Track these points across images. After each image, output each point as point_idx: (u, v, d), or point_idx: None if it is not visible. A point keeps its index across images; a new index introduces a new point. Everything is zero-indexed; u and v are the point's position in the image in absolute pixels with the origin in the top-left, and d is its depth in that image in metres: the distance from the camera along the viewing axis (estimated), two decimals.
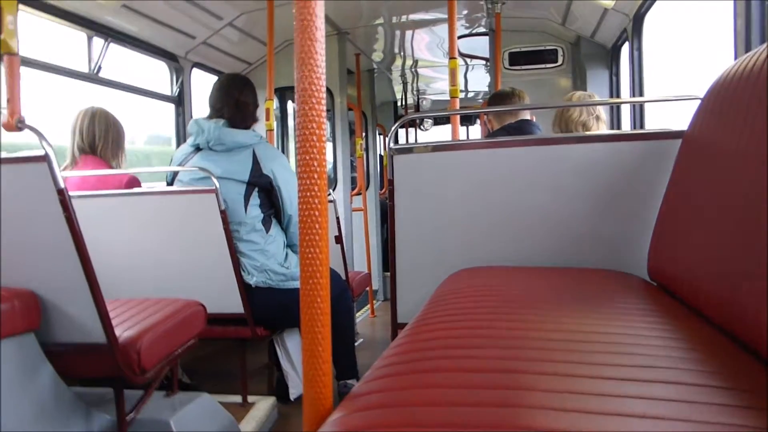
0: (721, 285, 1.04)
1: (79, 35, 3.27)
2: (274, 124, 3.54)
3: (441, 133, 9.42)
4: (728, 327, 1.01)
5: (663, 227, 1.50)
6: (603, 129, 2.66)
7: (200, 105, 4.24)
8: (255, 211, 2.56)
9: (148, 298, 2.15)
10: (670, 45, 3.38)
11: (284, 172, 2.61)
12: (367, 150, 5.92)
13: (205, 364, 3.37)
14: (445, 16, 2.87)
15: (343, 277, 3.23)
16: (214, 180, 2.37)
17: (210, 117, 2.65)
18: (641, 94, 3.41)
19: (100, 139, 2.76)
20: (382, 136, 7.32)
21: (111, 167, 2.77)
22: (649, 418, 0.66)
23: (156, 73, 4.04)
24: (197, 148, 2.63)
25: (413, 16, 4.59)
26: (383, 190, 6.29)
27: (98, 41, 3.35)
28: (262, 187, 2.57)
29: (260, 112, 2.86)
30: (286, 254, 2.64)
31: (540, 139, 1.93)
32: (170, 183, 2.77)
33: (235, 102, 2.62)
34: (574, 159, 1.79)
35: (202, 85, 4.32)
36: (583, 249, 1.81)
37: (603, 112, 2.67)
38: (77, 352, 1.72)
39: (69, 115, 2.81)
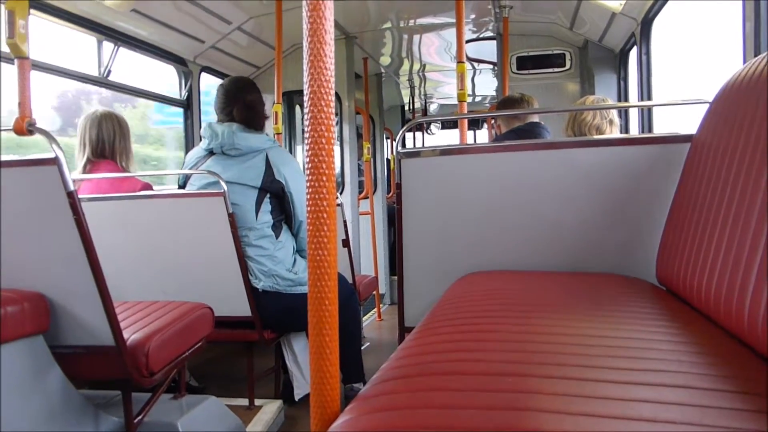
0: (730, 289, 1.03)
1: (89, 39, 3.30)
2: (282, 128, 3.55)
3: (448, 138, 9.41)
4: (737, 331, 1.00)
5: (671, 231, 1.49)
6: (616, 133, 2.64)
7: (209, 109, 4.26)
8: (266, 217, 2.56)
9: (156, 300, 2.16)
10: (678, 49, 3.37)
11: (296, 177, 2.61)
12: (374, 154, 5.92)
13: (213, 367, 3.38)
14: (453, 20, 2.88)
15: (350, 280, 3.23)
16: (222, 183, 2.38)
17: (221, 121, 2.66)
18: (649, 98, 3.40)
19: (111, 142, 2.75)
20: (389, 140, 7.33)
21: (123, 170, 2.78)
22: (660, 422, 0.66)
23: (159, 75, 4.06)
24: (210, 152, 2.63)
25: (421, 21, 4.59)
26: (390, 194, 6.29)
27: (108, 45, 3.38)
28: (274, 192, 2.57)
29: (267, 114, 2.86)
30: (295, 260, 2.64)
31: (547, 143, 1.92)
32: (182, 186, 2.78)
33: (244, 103, 2.63)
34: (582, 163, 1.78)
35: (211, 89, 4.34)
36: (591, 253, 1.80)
37: (616, 115, 2.67)
38: (86, 354, 1.73)
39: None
